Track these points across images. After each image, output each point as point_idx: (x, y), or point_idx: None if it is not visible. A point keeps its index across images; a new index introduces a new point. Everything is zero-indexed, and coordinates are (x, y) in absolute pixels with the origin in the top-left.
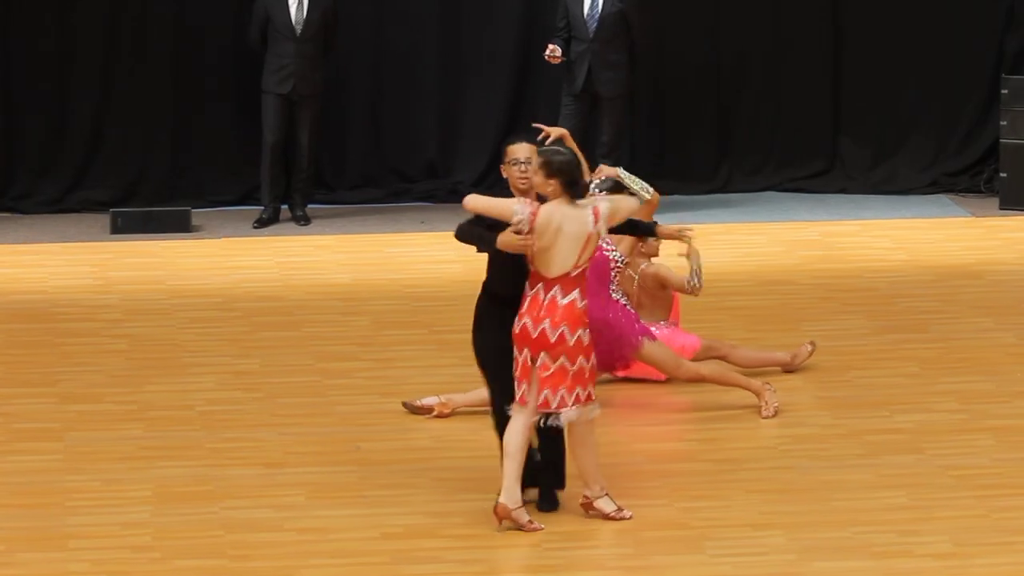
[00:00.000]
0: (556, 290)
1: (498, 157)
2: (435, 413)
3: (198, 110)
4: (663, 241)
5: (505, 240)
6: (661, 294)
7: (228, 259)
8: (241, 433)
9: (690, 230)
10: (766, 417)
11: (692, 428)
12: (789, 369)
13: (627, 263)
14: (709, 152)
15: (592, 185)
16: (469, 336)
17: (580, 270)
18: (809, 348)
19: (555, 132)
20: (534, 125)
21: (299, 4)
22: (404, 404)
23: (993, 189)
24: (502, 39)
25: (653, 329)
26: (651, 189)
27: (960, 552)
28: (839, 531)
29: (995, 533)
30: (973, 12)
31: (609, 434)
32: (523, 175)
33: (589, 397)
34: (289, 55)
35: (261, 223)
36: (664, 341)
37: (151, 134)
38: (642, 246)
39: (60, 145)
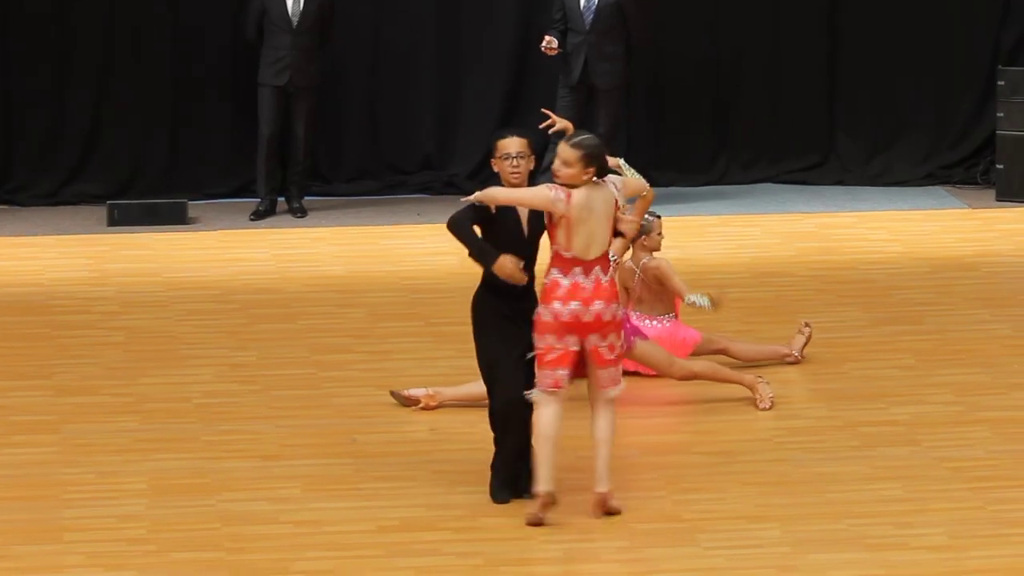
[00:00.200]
0: (597, 271)
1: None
2: (421, 405)
3: (195, 103)
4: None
5: (503, 266)
6: (661, 289)
7: (224, 251)
8: (237, 425)
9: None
10: (763, 409)
11: (686, 420)
12: (793, 361)
13: (617, 262)
14: (706, 144)
15: None
16: (466, 328)
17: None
18: (806, 332)
19: (561, 123)
20: (543, 111)
21: None
22: (392, 393)
23: (989, 181)
24: (499, 31)
25: (654, 323)
26: (648, 186)
27: (955, 544)
28: (834, 523)
29: (990, 525)
30: (970, 4)
31: None
32: (515, 169)
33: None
34: (285, 47)
35: (257, 215)
36: (665, 335)
37: (148, 127)
38: (645, 240)
39: (57, 138)
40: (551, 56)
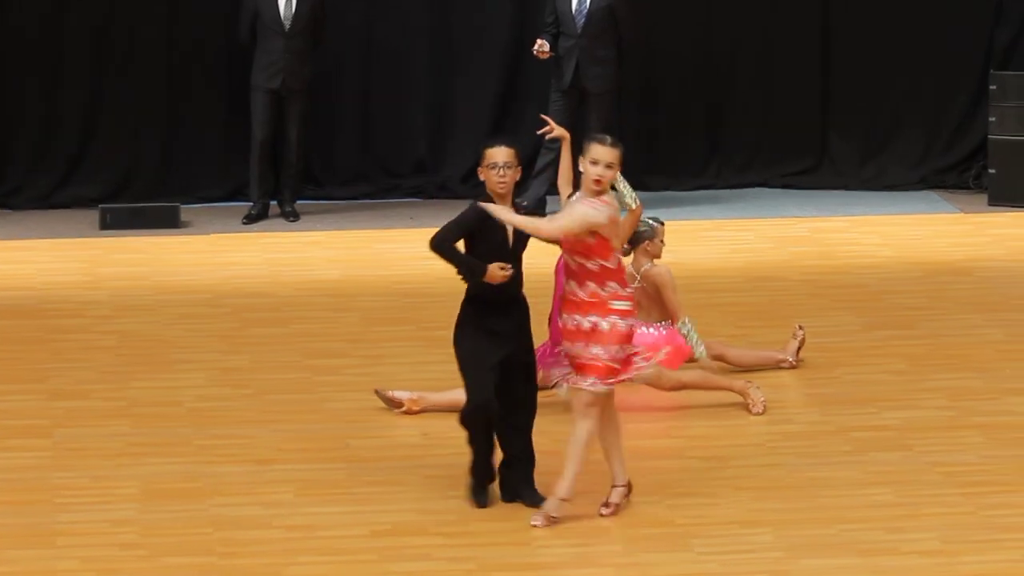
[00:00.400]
0: (615, 283)
1: None
2: (404, 409)
3: (187, 106)
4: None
5: (495, 275)
6: (660, 296)
7: (217, 255)
8: (230, 430)
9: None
10: (756, 414)
11: (679, 425)
12: (789, 367)
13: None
14: (699, 148)
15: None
16: None
17: None
18: (799, 335)
19: (558, 130)
20: (541, 117)
21: None
22: (376, 392)
23: (982, 185)
24: (491, 35)
25: (651, 330)
26: (638, 200)
27: (947, 549)
28: (826, 528)
29: (983, 530)
30: (962, 8)
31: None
32: (501, 179)
33: None
34: (278, 50)
35: (250, 219)
36: (662, 342)
37: (140, 130)
38: (647, 246)
39: (50, 141)
40: (543, 60)
